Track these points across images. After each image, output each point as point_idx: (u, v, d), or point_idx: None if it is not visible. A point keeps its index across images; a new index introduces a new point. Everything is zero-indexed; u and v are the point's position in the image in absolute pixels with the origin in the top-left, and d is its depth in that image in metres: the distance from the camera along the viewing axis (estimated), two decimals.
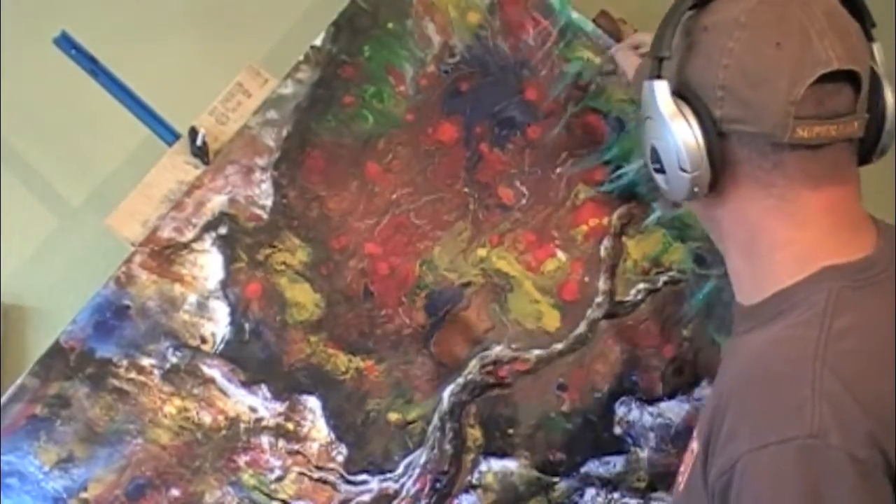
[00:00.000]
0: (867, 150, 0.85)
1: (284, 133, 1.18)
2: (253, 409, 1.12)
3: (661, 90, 0.83)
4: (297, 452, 1.12)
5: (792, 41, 0.78)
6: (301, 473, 1.11)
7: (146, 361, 1.10)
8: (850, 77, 0.79)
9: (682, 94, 0.83)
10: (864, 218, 0.86)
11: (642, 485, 1.18)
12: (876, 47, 0.85)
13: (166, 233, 1.13)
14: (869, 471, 0.72)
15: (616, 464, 1.18)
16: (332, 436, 1.13)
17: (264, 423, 1.12)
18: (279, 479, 1.11)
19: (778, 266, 0.84)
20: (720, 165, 0.82)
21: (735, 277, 0.90)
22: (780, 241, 0.84)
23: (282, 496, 1.11)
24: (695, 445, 0.86)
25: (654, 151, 0.87)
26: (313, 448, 1.12)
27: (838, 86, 0.79)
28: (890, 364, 0.77)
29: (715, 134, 0.81)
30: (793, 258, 0.83)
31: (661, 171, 0.87)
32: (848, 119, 0.80)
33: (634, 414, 1.19)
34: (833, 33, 0.78)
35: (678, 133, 0.82)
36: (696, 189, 0.84)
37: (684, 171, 0.83)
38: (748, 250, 0.86)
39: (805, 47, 0.78)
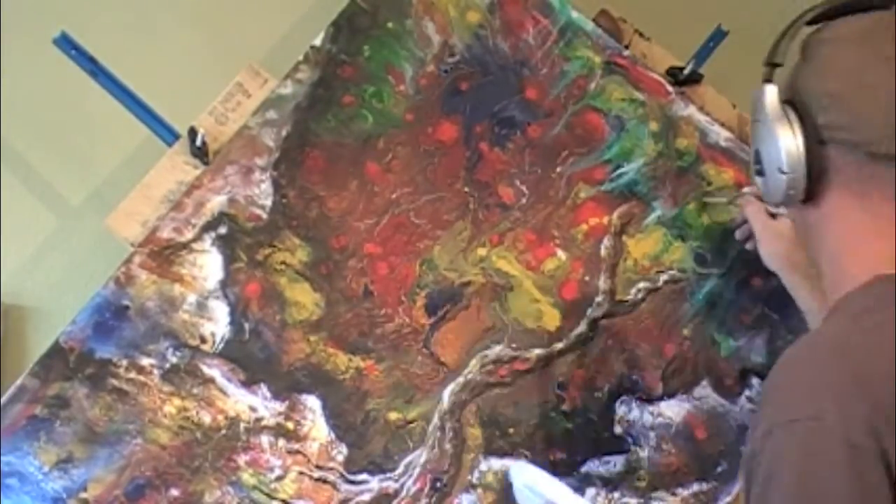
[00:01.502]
0: None
1: (284, 133, 1.18)
2: (253, 409, 1.12)
3: (771, 94, 0.88)
4: (297, 452, 1.12)
5: None
6: (301, 473, 1.11)
7: (146, 361, 1.10)
8: None
9: (791, 101, 0.87)
10: None
11: (642, 484, 1.17)
12: None
13: (166, 233, 1.13)
14: (863, 457, 0.73)
15: (616, 463, 1.18)
16: (332, 435, 1.13)
17: (264, 422, 1.12)
18: (279, 479, 1.11)
19: (847, 277, 0.86)
20: (818, 171, 0.86)
21: (823, 284, 0.92)
22: (860, 253, 0.87)
23: (282, 496, 1.10)
24: None
25: (757, 154, 0.91)
26: (313, 447, 1.12)
27: None
28: None
29: (816, 140, 0.85)
30: (860, 270, 0.85)
31: (761, 173, 0.91)
32: None
33: (635, 413, 1.19)
34: None
35: (781, 136, 0.86)
36: (791, 192, 0.87)
37: (782, 172, 0.86)
38: (831, 260, 0.89)
39: None
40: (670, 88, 1.27)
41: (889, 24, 0.85)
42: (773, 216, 1.12)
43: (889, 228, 0.84)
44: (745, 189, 1.20)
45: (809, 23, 0.90)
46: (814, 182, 0.86)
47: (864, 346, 0.79)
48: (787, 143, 0.86)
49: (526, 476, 1.08)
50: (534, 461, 1.16)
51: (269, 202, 1.16)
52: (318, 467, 1.12)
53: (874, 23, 0.85)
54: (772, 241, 1.11)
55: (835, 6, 0.89)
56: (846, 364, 0.77)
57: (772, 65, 0.89)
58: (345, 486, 1.12)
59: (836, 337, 0.80)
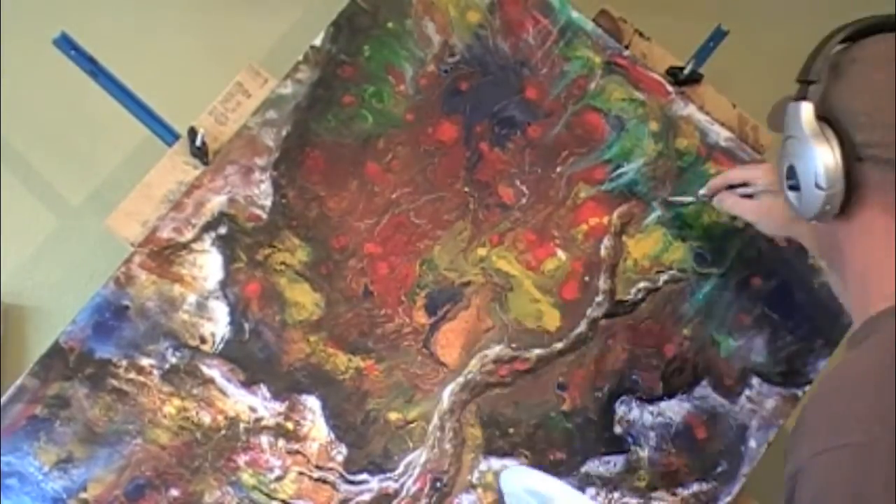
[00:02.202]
0: None
1: (284, 133, 1.18)
2: (252, 409, 1.12)
3: (807, 111, 0.89)
4: (297, 452, 1.12)
5: None
6: (301, 473, 1.11)
7: (145, 361, 1.10)
8: None
9: (825, 118, 0.88)
10: None
11: (643, 484, 1.17)
12: None
13: (166, 233, 1.13)
14: None
15: (616, 463, 1.18)
16: (332, 435, 1.13)
17: (264, 422, 1.12)
18: (279, 479, 1.11)
19: (876, 295, 0.88)
20: (854, 188, 0.87)
21: (847, 300, 0.93)
22: (888, 272, 0.87)
23: (281, 496, 1.10)
24: None
25: (792, 169, 0.92)
26: (313, 448, 1.12)
27: None
28: None
29: (853, 157, 0.86)
30: (890, 288, 0.86)
31: (796, 188, 0.92)
32: None
33: (635, 413, 1.19)
34: None
35: (819, 152, 0.87)
36: (827, 207, 0.88)
37: (820, 188, 0.87)
38: (863, 275, 0.90)
39: None
40: (670, 88, 1.27)
41: None
42: (751, 196, 1.12)
43: None
44: (702, 191, 1.19)
45: (842, 41, 0.91)
46: (850, 197, 0.87)
47: None
48: (826, 159, 0.87)
49: (524, 480, 1.08)
50: (534, 461, 1.16)
51: (269, 202, 1.16)
52: (318, 467, 1.12)
53: None
54: (771, 218, 1.11)
55: (867, 25, 0.90)
56: (891, 390, 0.78)
57: (806, 82, 0.90)
58: (345, 487, 1.12)
59: (878, 363, 0.81)
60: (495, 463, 1.15)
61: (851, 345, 0.90)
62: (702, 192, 1.19)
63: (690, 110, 1.26)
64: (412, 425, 1.15)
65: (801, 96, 0.90)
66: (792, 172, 0.92)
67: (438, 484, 1.14)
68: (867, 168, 0.86)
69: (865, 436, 0.76)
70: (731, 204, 1.14)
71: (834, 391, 0.84)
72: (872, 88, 0.86)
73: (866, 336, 0.87)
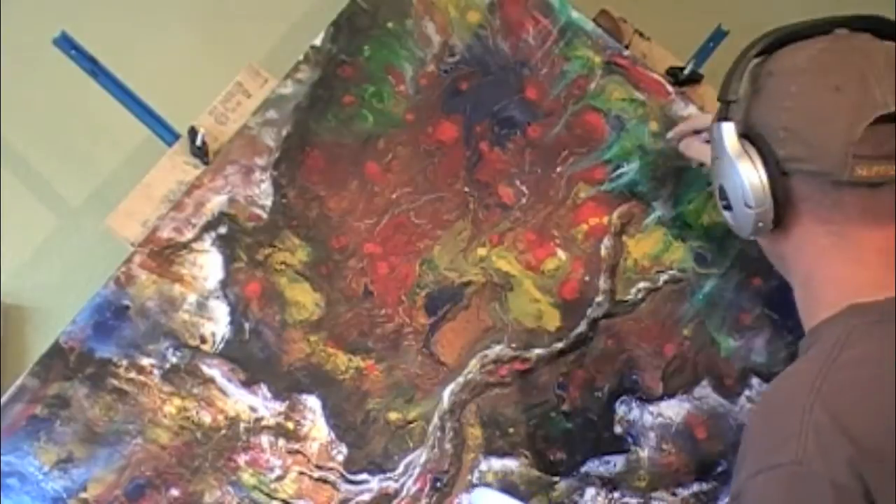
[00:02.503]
0: None
1: (284, 133, 1.18)
2: (253, 409, 1.12)
3: (729, 132, 0.88)
4: (297, 452, 1.12)
5: (850, 85, 0.83)
6: (301, 473, 1.11)
7: (146, 361, 1.10)
8: None
9: (748, 135, 0.88)
10: None
11: (643, 484, 1.17)
12: None
13: (166, 233, 1.13)
14: (849, 497, 0.75)
15: (616, 463, 1.18)
16: (332, 435, 1.13)
17: (264, 422, 1.12)
18: (279, 479, 1.11)
19: (821, 303, 0.89)
20: (783, 202, 0.87)
21: (799, 310, 0.93)
22: (830, 278, 0.88)
23: (282, 496, 1.10)
24: None
25: (722, 190, 0.92)
26: (313, 447, 1.12)
27: (894, 128, 0.82)
28: (891, 395, 0.79)
29: (778, 172, 0.86)
30: (834, 296, 0.87)
31: (729, 207, 0.92)
32: None
33: (635, 413, 1.19)
34: (891, 79, 0.82)
35: (744, 172, 0.87)
36: (760, 224, 0.89)
37: (749, 207, 0.87)
38: (806, 284, 0.91)
39: (863, 91, 0.82)
40: (670, 88, 1.27)
41: (834, 51, 0.86)
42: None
43: (858, 253, 0.86)
44: (669, 134, 1.20)
45: (757, 55, 0.90)
46: (781, 212, 0.87)
47: (840, 383, 0.80)
48: (751, 178, 0.86)
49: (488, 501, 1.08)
50: (533, 461, 1.16)
51: (269, 202, 1.16)
52: (318, 467, 1.12)
53: (819, 52, 0.86)
54: None
55: (779, 36, 0.89)
56: (825, 405, 0.78)
57: (727, 101, 0.90)
58: (345, 486, 1.12)
59: (813, 376, 0.81)
60: (495, 463, 1.15)
61: (801, 353, 0.90)
62: (669, 135, 1.20)
63: (691, 110, 1.26)
64: (412, 425, 1.15)
65: (723, 116, 0.89)
66: (723, 193, 0.92)
67: (438, 484, 1.14)
68: (794, 182, 0.86)
69: (798, 455, 0.76)
70: (696, 149, 1.14)
71: (770, 408, 0.84)
72: (790, 103, 0.85)
73: (808, 347, 0.87)
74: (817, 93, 0.84)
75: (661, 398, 1.20)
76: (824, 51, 0.86)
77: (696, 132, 1.14)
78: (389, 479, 1.13)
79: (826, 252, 0.87)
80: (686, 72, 1.28)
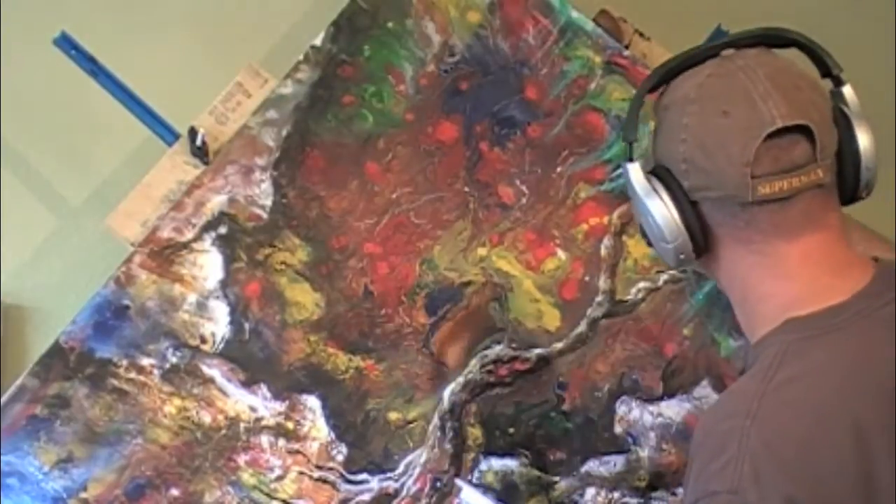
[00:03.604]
0: (851, 189, 0.88)
1: (284, 133, 1.18)
2: (253, 409, 1.12)
3: (635, 171, 0.90)
4: (297, 452, 1.12)
5: (738, 108, 0.83)
6: (301, 473, 1.11)
7: (146, 361, 1.10)
8: (802, 130, 0.82)
9: (655, 171, 0.89)
10: (850, 261, 0.87)
11: (642, 484, 1.17)
12: (845, 90, 0.88)
13: (166, 233, 1.13)
14: None
15: (616, 463, 1.18)
16: (332, 435, 1.13)
17: (264, 422, 1.12)
18: (279, 479, 1.11)
19: (760, 319, 0.89)
20: (699, 231, 0.87)
21: (742, 327, 0.94)
22: (763, 295, 0.88)
23: (282, 495, 1.10)
24: None
25: (641, 228, 0.93)
26: (313, 447, 1.12)
27: (791, 139, 0.82)
28: (831, 410, 0.79)
29: (687, 203, 0.87)
30: (771, 311, 0.87)
31: (650, 244, 0.93)
32: (809, 168, 0.83)
33: (635, 413, 1.19)
34: (778, 93, 0.82)
35: (654, 208, 0.88)
36: (682, 256, 0.89)
37: (666, 241, 0.88)
38: (743, 303, 0.91)
39: (750, 111, 0.82)
40: None
41: (719, 75, 0.86)
42: None
43: (784, 268, 0.85)
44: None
45: (650, 91, 0.91)
46: (698, 240, 0.88)
47: (775, 407, 0.80)
48: (662, 213, 0.87)
49: (465, 496, 1.08)
50: (533, 461, 1.16)
51: (269, 202, 1.16)
52: (318, 467, 1.12)
53: (706, 78, 0.86)
54: None
55: (671, 68, 0.90)
56: (760, 431, 0.78)
57: (629, 142, 0.91)
58: (345, 486, 1.12)
59: (750, 398, 0.81)
60: (495, 462, 1.15)
61: (746, 370, 0.89)
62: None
63: None
64: (412, 425, 1.15)
65: (628, 157, 0.91)
66: (643, 231, 0.93)
67: (438, 484, 1.14)
68: (705, 209, 0.87)
69: (734, 484, 0.76)
70: None
71: (712, 428, 0.84)
72: (683, 134, 0.86)
73: (752, 363, 0.87)
74: (707, 120, 0.84)
75: (661, 398, 1.20)
76: (711, 76, 0.86)
77: None
78: (389, 478, 1.13)
79: (753, 270, 0.87)
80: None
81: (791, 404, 0.80)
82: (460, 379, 1.17)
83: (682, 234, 0.87)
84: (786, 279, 0.85)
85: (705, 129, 0.84)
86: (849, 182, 0.87)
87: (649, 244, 0.93)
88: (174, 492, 1.09)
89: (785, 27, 0.91)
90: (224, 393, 1.11)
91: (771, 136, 0.81)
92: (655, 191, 0.88)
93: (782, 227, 0.84)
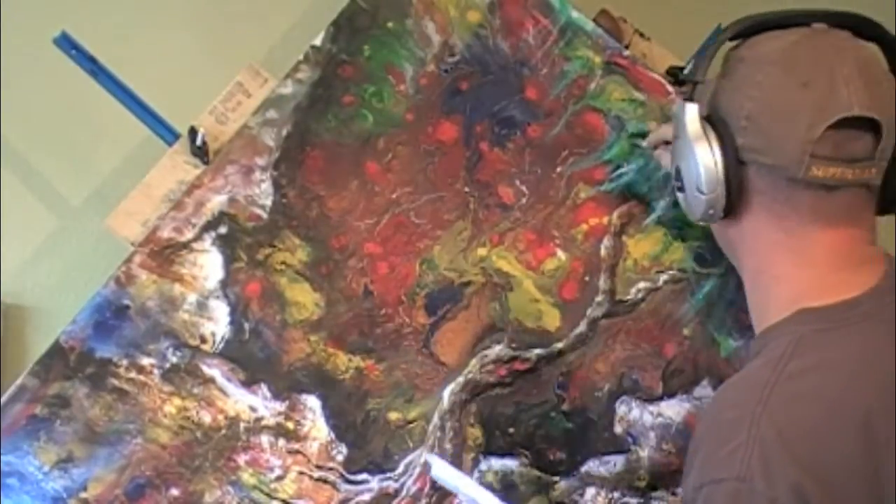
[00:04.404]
0: (890, 199, 0.87)
1: (284, 133, 1.18)
2: (253, 409, 1.12)
3: (692, 113, 0.87)
4: (297, 452, 1.12)
5: (818, 83, 0.81)
6: (301, 473, 1.11)
7: (146, 361, 1.10)
8: (872, 125, 0.81)
9: (710, 119, 0.86)
10: (871, 257, 0.86)
11: (643, 484, 1.17)
12: None
13: (166, 233, 1.13)
14: None
15: (616, 463, 1.18)
16: (332, 435, 1.13)
17: (264, 422, 1.12)
18: (279, 479, 1.11)
19: (773, 302, 0.87)
20: (737, 191, 0.85)
21: (749, 306, 0.92)
22: (779, 275, 0.86)
23: (282, 495, 1.10)
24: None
25: (678, 170, 0.91)
26: (313, 447, 1.12)
27: (858, 132, 0.81)
28: (842, 404, 0.79)
29: (735, 160, 0.84)
30: (785, 296, 0.86)
31: (682, 189, 0.91)
32: (865, 164, 0.81)
33: (635, 413, 1.19)
34: (861, 81, 0.80)
35: (701, 155, 0.85)
36: (711, 211, 0.87)
37: (701, 192, 0.86)
38: (755, 280, 0.90)
39: (829, 90, 0.80)
40: (670, 88, 1.27)
41: (808, 45, 0.84)
42: None
43: (808, 253, 0.84)
44: (644, 143, 1.20)
45: (731, 38, 0.89)
46: (733, 200, 0.86)
47: (788, 396, 0.79)
48: (707, 163, 0.85)
49: (436, 470, 1.07)
50: (533, 461, 1.16)
51: (269, 202, 1.16)
52: (318, 467, 1.12)
53: (792, 44, 0.84)
54: None
55: (756, 22, 0.88)
56: (772, 418, 0.77)
57: (693, 82, 0.89)
58: (345, 486, 1.12)
59: (762, 386, 0.80)
60: (496, 462, 1.15)
61: (751, 356, 0.88)
62: (644, 143, 1.20)
63: None
64: (412, 425, 1.15)
65: (688, 97, 0.88)
66: (678, 174, 0.91)
67: (438, 484, 1.14)
68: (750, 172, 0.85)
69: (742, 471, 0.76)
70: (666, 159, 1.13)
71: (719, 415, 0.83)
72: (756, 92, 0.83)
73: (758, 351, 0.86)
74: (784, 86, 0.82)
75: (661, 398, 1.20)
76: (797, 44, 0.84)
77: (668, 143, 1.14)
78: (389, 478, 1.13)
79: (776, 248, 0.86)
80: (686, 72, 1.28)
81: (803, 395, 0.79)
82: (460, 379, 1.17)
83: (721, 188, 0.85)
84: (806, 266, 0.84)
85: (779, 93, 0.82)
86: (889, 192, 0.86)
87: (679, 189, 0.90)
88: (174, 491, 1.09)
89: (874, 20, 0.88)
90: (224, 393, 1.12)
91: (841, 122, 0.79)
92: (707, 138, 0.85)
93: (821, 213, 0.83)
